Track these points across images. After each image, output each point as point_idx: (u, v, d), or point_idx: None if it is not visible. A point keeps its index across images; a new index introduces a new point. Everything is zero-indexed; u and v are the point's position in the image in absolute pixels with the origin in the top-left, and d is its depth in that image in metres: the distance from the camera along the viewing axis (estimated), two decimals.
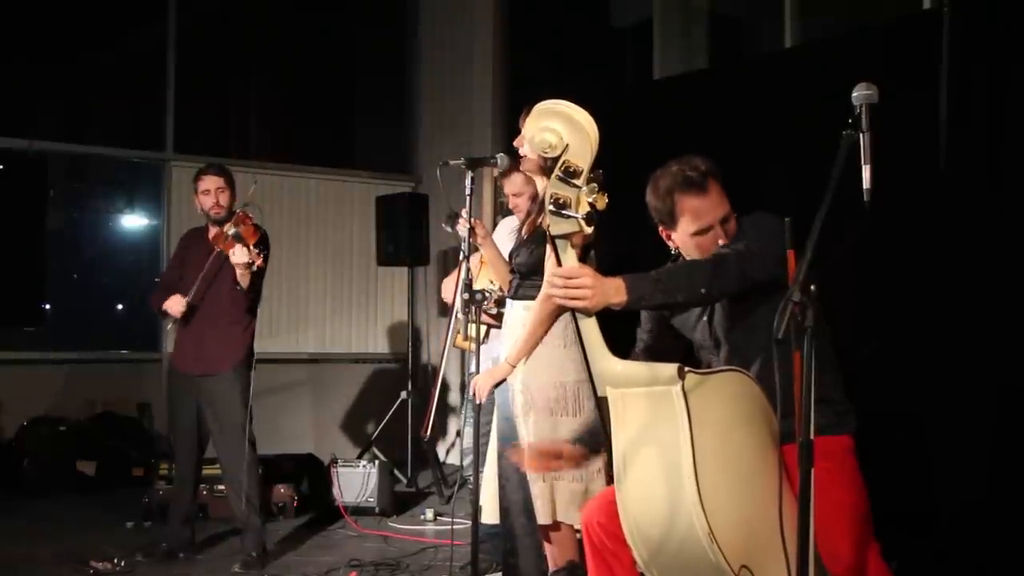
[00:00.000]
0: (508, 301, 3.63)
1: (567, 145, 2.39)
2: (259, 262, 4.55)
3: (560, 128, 2.40)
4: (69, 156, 7.69)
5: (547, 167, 3.46)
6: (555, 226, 2.41)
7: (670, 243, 2.79)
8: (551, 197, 2.39)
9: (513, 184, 4.01)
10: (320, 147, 8.45)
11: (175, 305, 4.75)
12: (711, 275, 2.49)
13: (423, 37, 8.38)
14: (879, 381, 3.66)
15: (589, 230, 2.36)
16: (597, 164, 2.36)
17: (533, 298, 3.46)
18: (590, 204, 2.36)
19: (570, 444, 3.36)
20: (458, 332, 4.75)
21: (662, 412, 2.32)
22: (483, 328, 3.89)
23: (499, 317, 3.98)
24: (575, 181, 2.37)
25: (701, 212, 2.68)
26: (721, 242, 2.67)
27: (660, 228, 2.79)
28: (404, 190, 7.86)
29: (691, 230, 2.70)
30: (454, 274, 4.94)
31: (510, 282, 3.64)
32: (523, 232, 3.63)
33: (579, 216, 2.36)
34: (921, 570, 3.52)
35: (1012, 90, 3.64)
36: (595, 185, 2.38)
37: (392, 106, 8.68)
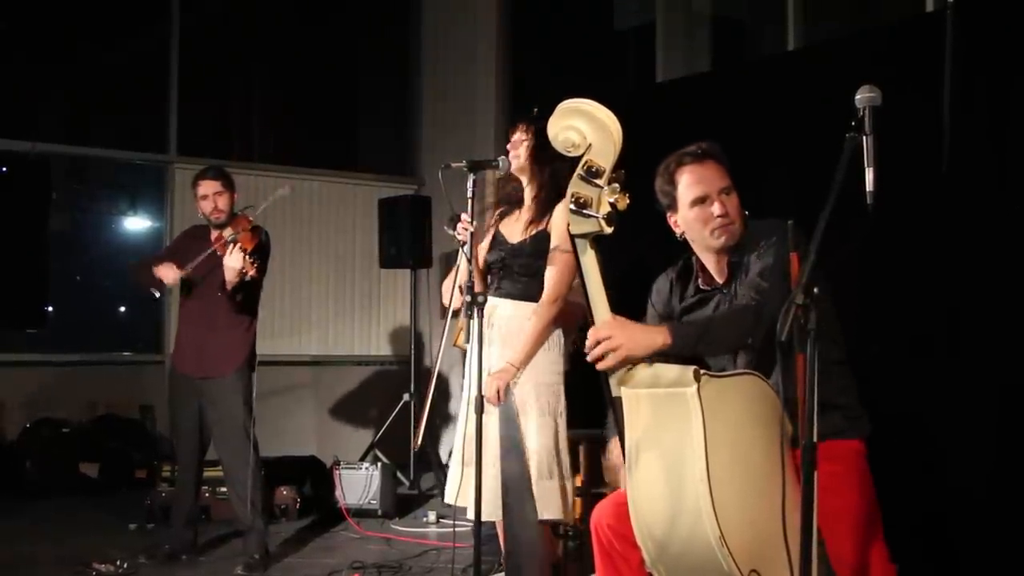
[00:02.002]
0: (501, 302, 3.66)
1: (590, 144, 2.39)
2: (252, 272, 4.53)
3: (583, 127, 2.39)
4: (72, 158, 7.70)
5: (534, 168, 3.50)
6: (575, 225, 2.41)
7: (676, 230, 2.78)
8: (572, 196, 2.38)
9: None
10: (323, 149, 8.45)
11: (170, 272, 4.64)
12: (751, 327, 2.49)
13: (425, 40, 8.39)
14: (881, 383, 3.66)
15: (609, 230, 2.36)
16: None
17: (532, 299, 3.52)
18: (611, 204, 2.36)
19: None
20: (461, 330, 4.72)
21: (676, 413, 2.32)
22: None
23: None
24: (597, 181, 2.37)
25: (697, 178, 2.69)
26: (718, 211, 2.65)
27: (668, 215, 2.79)
28: (406, 192, 7.86)
29: (689, 198, 2.69)
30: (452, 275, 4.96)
31: (500, 281, 3.68)
32: (522, 234, 3.65)
33: (600, 216, 2.36)
34: (926, 572, 3.52)
35: (1015, 92, 3.64)
36: (616, 185, 2.38)
37: (394, 108, 8.68)
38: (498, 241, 3.73)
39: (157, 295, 4.82)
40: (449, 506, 3.74)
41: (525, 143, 3.57)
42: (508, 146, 3.63)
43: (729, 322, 2.55)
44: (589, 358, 2.43)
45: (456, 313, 3.55)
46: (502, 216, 3.79)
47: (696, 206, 2.68)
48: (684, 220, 2.73)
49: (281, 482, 5.82)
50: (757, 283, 2.58)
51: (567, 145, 2.41)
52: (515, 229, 3.70)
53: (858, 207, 2.07)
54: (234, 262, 4.48)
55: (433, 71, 8.31)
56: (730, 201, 2.69)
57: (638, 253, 3.86)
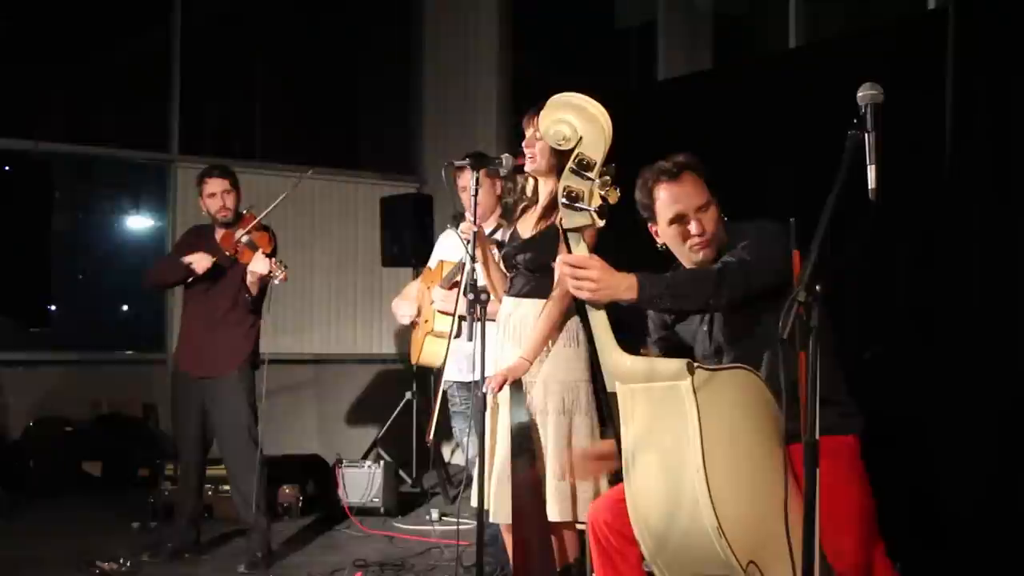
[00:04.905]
0: (511, 300, 3.63)
1: (581, 137, 2.40)
2: (282, 276, 4.55)
3: (574, 120, 2.41)
4: (74, 157, 7.70)
5: (559, 166, 3.49)
6: (567, 219, 2.42)
7: (657, 240, 2.83)
8: (564, 190, 2.39)
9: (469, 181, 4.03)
10: (325, 148, 8.46)
11: (202, 259, 4.65)
12: (717, 284, 2.52)
13: (427, 38, 8.39)
14: (882, 383, 3.66)
15: (601, 223, 2.37)
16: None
17: (540, 296, 3.50)
18: (602, 197, 2.37)
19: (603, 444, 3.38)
20: (428, 333, 4.67)
21: (671, 407, 2.33)
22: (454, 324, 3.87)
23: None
24: (588, 174, 2.39)
25: (673, 198, 2.72)
26: (695, 230, 2.69)
27: (649, 225, 2.83)
28: (409, 191, 7.87)
29: (667, 217, 2.73)
30: (407, 291, 5.00)
31: (512, 279, 3.65)
32: (531, 230, 3.64)
33: (591, 209, 2.37)
34: (926, 570, 3.52)
35: (1016, 90, 3.64)
36: (608, 178, 2.39)
37: (396, 107, 8.68)
38: (513, 238, 3.71)
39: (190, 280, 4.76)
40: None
41: (541, 143, 3.53)
42: (523, 144, 3.59)
43: (689, 281, 2.61)
44: (569, 284, 2.45)
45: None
46: (522, 212, 3.77)
47: (674, 224, 2.73)
48: (664, 234, 2.79)
49: (284, 480, 5.82)
50: (731, 254, 2.62)
51: (558, 138, 2.43)
52: (528, 224, 3.68)
53: (860, 205, 2.07)
54: (260, 267, 4.51)
55: (435, 69, 8.32)
56: (707, 217, 2.72)
57: (633, 254, 3.85)
